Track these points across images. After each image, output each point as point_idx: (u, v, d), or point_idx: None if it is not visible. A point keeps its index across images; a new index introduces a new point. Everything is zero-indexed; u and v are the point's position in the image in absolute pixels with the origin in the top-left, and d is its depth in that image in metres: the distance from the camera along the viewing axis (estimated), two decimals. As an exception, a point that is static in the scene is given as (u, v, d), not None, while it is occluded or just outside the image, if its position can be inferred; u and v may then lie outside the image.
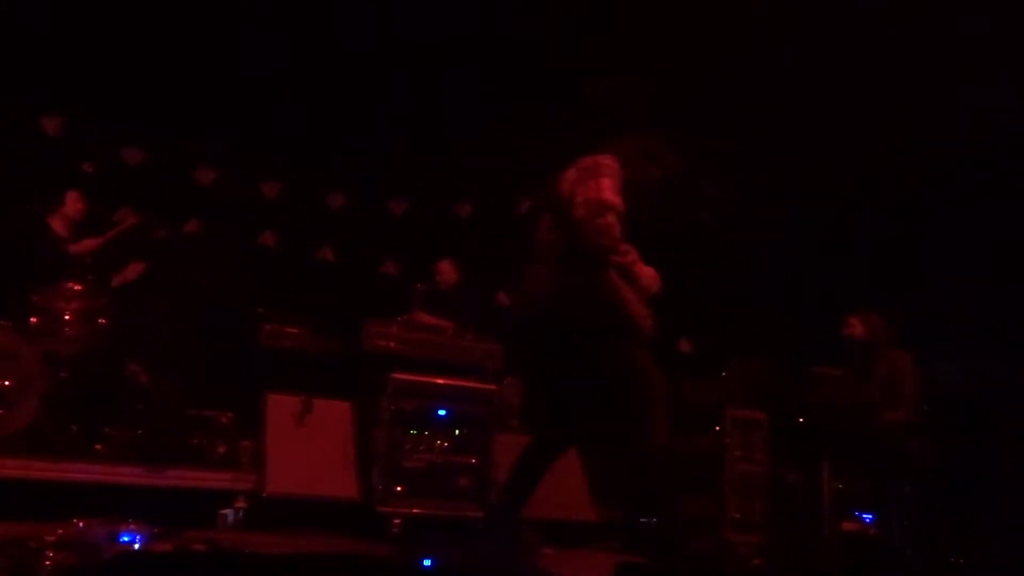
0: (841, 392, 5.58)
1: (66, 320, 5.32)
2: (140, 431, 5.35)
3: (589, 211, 3.40)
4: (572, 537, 5.29)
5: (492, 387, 5.67)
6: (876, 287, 6.61)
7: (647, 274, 3.54)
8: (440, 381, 5.54)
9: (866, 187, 6.86)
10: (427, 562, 4.42)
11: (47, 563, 2.96)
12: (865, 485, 5.58)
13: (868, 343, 5.49)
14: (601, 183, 3.41)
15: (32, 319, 5.27)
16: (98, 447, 5.14)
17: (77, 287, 5.41)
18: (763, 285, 7.15)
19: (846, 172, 6.77)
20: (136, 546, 3.31)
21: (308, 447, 5.23)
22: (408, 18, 5.99)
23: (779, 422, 5.85)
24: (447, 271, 6.37)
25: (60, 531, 3.22)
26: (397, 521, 5.14)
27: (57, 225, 5.73)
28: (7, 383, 4.89)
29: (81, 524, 3.33)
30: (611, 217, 3.37)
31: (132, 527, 3.38)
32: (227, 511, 4.90)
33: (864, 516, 5.68)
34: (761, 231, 7.13)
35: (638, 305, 3.49)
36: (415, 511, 5.21)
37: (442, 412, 5.47)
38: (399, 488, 5.22)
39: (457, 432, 5.49)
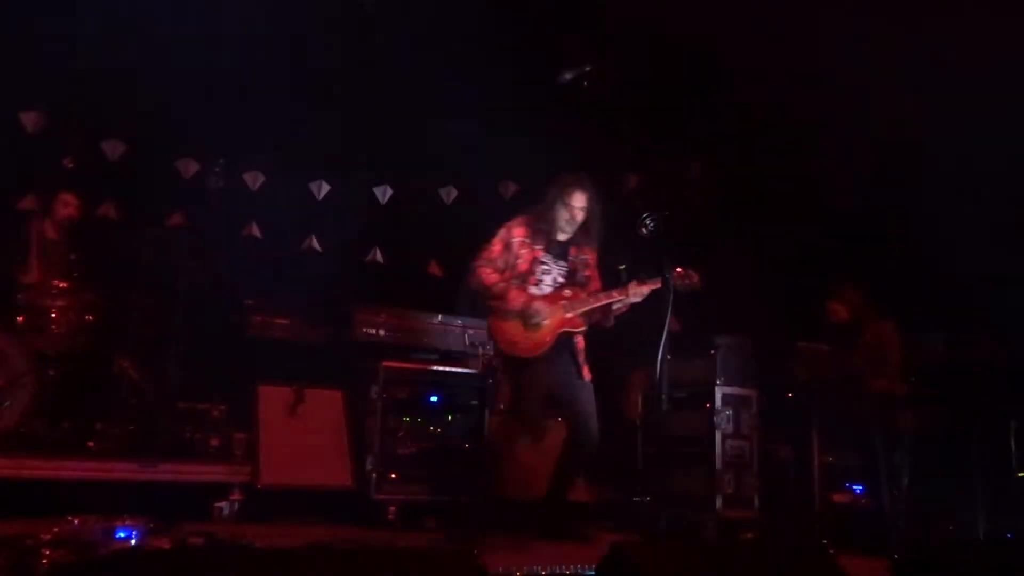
0: (827, 365, 5.62)
1: (53, 318, 5.30)
2: (132, 426, 5.36)
3: None
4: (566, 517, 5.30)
5: (482, 372, 5.69)
6: (857, 259, 6.62)
7: None
8: (430, 367, 5.56)
9: (845, 159, 6.88)
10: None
11: (43, 561, 2.96)
12: (855, 457, 5.62)
13: (853, 323, 5.51)
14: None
15: (19, 318, 5.25)
16: (90, 444, 5.13)
17: (63, 284, 5.38)
18: (749, 262, 7.16)
19: (824, 145, 6.78)
20: (132, 541, 3.31)
21: (301, 437, 5.24)
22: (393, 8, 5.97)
23: (768, 398, 5.88)
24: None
25: (56, 529, 3.22)
26: (392, 508, 5.16)
27: (48, 228, 5.67)
28: (-4, 382, 4.89)
29: (76, 521, 3.33)
30: None
31: (128, 522, 3.38)
32: (222, 503, 4.92)
33: (855, 487, 5.73)
34: (744, 208, 7.15)
35: None
36: (410, 497, 5.24)
37: (434, 398, 5.49)
38: (393, 475, 5.24)
39: (449, 418, 5.52)
